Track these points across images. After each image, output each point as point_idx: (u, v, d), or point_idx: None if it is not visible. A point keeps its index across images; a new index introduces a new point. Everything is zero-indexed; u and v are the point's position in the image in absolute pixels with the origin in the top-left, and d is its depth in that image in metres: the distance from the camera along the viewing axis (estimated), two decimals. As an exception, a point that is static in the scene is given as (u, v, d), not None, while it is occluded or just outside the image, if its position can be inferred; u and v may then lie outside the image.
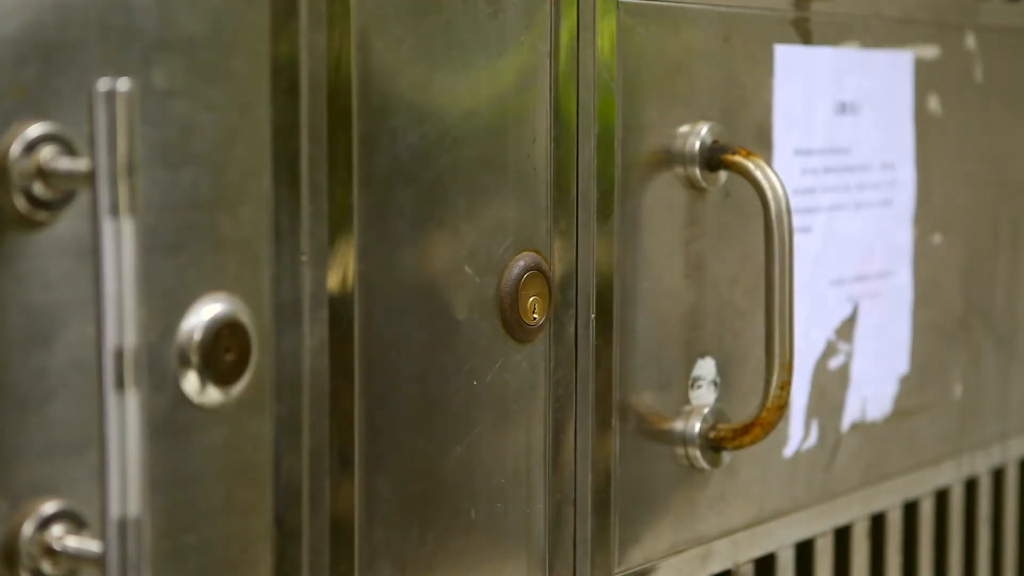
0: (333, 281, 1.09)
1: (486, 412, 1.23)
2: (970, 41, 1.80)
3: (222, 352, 1.01)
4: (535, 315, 1.25)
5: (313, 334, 1.08)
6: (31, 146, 0.91)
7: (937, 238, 1.76)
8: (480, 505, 1.23)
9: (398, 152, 1.14)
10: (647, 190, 1.38)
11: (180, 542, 1.01)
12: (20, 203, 0.91)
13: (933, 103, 1.74)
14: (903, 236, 1.71)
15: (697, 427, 1.42)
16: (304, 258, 1.07)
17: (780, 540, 1.56)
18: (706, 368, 1.45)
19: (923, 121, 1.72)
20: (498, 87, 1.22)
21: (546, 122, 1.26)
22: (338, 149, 1.09)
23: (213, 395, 1.02)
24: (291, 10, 1.05)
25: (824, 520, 1.62)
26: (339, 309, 1.10)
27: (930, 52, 1.73)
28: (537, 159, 1.26)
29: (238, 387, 1.03)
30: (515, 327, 1.24)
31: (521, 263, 1.24)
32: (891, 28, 1.68)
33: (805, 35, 1.56)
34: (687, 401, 1.43)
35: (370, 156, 1.12)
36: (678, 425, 1.42)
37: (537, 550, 1.28)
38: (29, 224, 0.92)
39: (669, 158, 1.40)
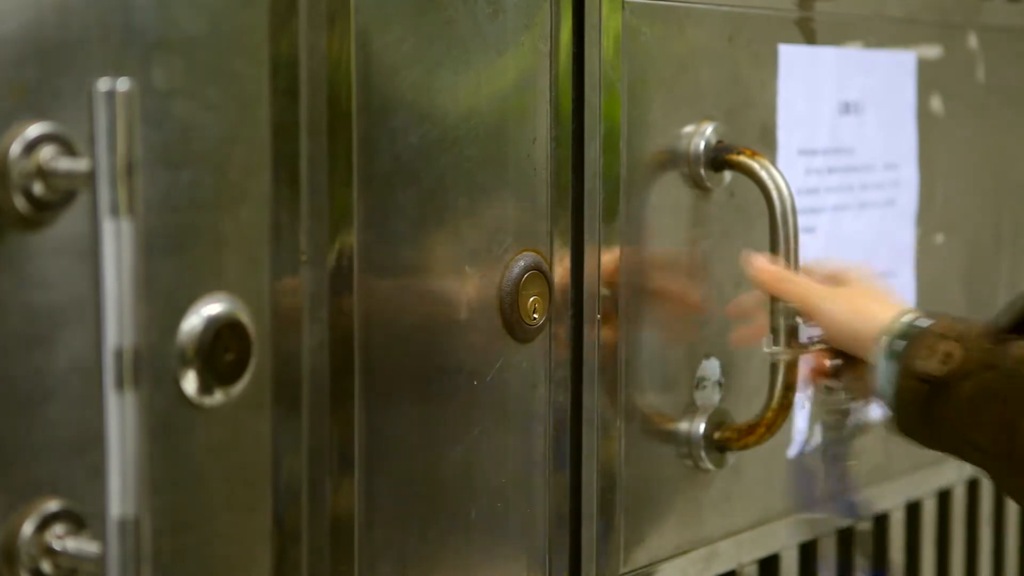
0: (333, 281, 1.09)
1: (486, 412, 1.23)
2: (972, 41, 1.79)
3: (222, 352, 1.01)
4: (535, 315, 1.25)
5: (313, 334, 1.08)
6: (31, 146, 0.91)
7: (939, 238, 1.76)
8: (480, 505, 1.23)
9: (398, 152, 1.14)
10: (652, 190, 1.38)
11: (180, 542, 1.01)
12: (20, 203, 0.91)
13: (935, 103, 1.74)
14: (906, 236, 1.71)
15: (702, 428, 1.42)
16: (304, 258, 1.07)
17: (784, 541, 1.56)
18: (711, 369, 1.45)
19: (926, 121, 1.72)
20: (498, 87, 1.22)
21: (546, 122, 1.26)
22: (338, 149, 1.09)
23: (213, 395, 1.02)
24: (291, 10, 1.05)
25: (827, 521, 1.62)
26: (339, 309, 1.10)
27: (933, 52, 1.73)
28: (537, 159, 1.26)
29: (238, 387, 1.03)
30: (515, 327, 1.24)
31: (521, 263, 1.24)
32: (894, 28, 1.68)
33: (809, 35, 1.55)
34: (692, 402, 1.43)
35: (370, 156, 1.12)
36: (683, 426, 1.42)
37: (537, 550, 1.28)
38: (29, 224, 0.92)
39: (674, 158, 1.40)
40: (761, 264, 1.35)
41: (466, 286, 1.21)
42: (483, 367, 1.22)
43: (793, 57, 1.53)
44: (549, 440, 1.29)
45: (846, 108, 1.61)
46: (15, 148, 0.91)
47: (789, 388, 1.38)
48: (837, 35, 1.59)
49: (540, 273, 1.26)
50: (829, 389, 1.32)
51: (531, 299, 1.25)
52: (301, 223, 1.07)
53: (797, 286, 1.33)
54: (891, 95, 1.67)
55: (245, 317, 1.03)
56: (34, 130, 0.91)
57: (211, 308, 1.01)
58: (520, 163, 1.24)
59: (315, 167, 1.07)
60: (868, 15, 1.64)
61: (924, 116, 1.72)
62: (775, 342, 1.34)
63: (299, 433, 1.08)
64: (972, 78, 1.80)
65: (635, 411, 1.37)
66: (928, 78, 1.71)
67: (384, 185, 1.13)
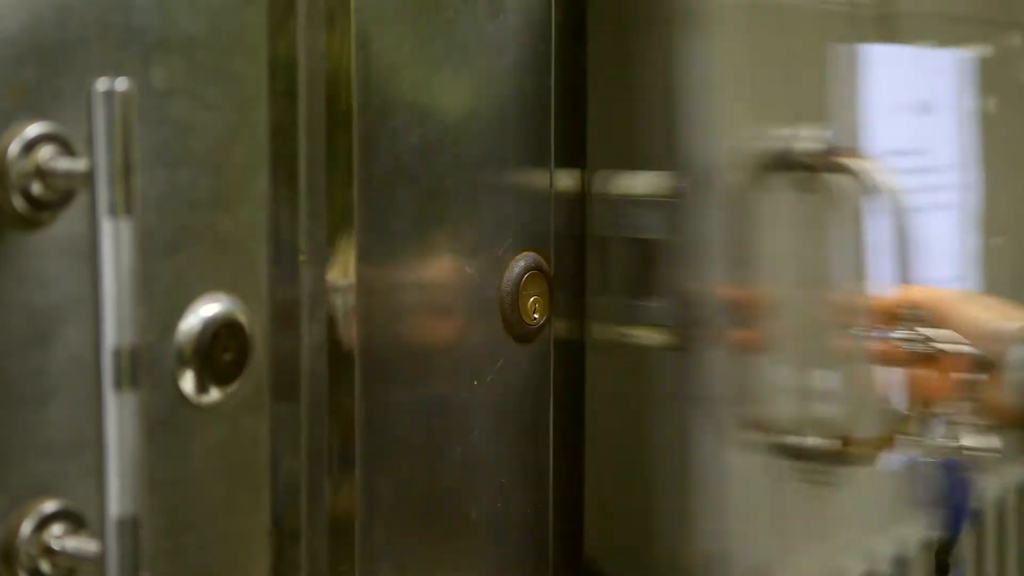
0: (333, 281, 1.09)
1: (486, 412, 1.23)
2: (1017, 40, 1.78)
3: (220, 352, 1.02)
4: (535, 315, 1.26)
5: (312, 334, 1.08)
6: (30, 146, 0.92)
7: (998, 241, 1.74)
8: (480, 505, 1.23)
9: (398, 152, 1.14)
10: (751, 192, 1.35)
11: (179, 542, 1.01)
12: (19, 203, 0.92)
13: (990, 103, 1.72)
14: (969, 239, 1.69)
15: (814, 440, 1.38)
16: (303, 258, 1.07)
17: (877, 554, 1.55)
18: (822, 378, 1.41)
19: (983, 122, 1.71)
20: (498, 87, 1.22)
21: (546, 122, 1.26)
22: (338, 149, 1.09)
23: (211, 395, 1.02)
24: (289, 10, 1.05)
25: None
26: (339, 309, 1.10)
27: (986, 50, 1.71)
28: (537, 159, 1.26)
29: (236, 387, 1.03)
30: (515, 327, 1.24)
31: (521, 263, 1.25)
32: (953, 27, 1.66)
33: (882, 34, 1.53)
34: (799, 411, 1.41)
35: (370, 156, 1.12)
36: (792, 438, 1.39)
37: (538, 551, 1.28)
38: (28, 224, 0.92)
39: (770, 161, 1.37)
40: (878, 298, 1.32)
41: (466, 286, 1.21)
42: (483, 367, 1.22)
43: (869, 56, 1.50)
44: (550, 440, 1.29)
45: (917, 108, 1.60)
46: (14, 148, 0.91)
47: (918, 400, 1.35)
48: (912, 34, 1.58)
49: (540, 273, 1.26)
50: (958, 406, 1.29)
51: (531, 299, 1.25)
52: (300, 223, 1.07)
53: (927, 291, 1.31)
54: (952, 95, 1.66)
55: (243, 317, 1.03)
56: (33, 130, 0.92)
57: (209, 308, 1.01)
58: (520, 163, 1.24)
59: (314, 167, 1.08)
60: (939, 13, 1.62)
61: (980, 116, 1.70)
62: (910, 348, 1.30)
63: (298, 433, 1.08)
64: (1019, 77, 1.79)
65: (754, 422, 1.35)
66: (982, 77, 1.70)
67: (384, 185, 1.13)
